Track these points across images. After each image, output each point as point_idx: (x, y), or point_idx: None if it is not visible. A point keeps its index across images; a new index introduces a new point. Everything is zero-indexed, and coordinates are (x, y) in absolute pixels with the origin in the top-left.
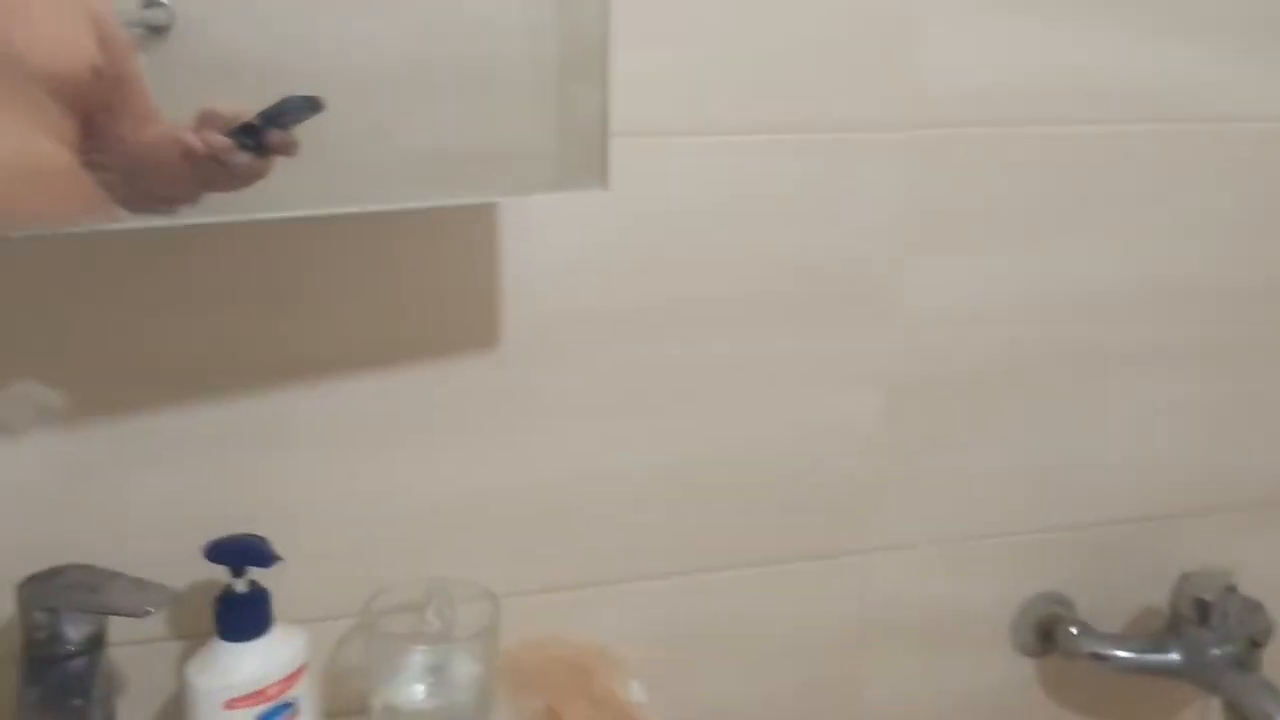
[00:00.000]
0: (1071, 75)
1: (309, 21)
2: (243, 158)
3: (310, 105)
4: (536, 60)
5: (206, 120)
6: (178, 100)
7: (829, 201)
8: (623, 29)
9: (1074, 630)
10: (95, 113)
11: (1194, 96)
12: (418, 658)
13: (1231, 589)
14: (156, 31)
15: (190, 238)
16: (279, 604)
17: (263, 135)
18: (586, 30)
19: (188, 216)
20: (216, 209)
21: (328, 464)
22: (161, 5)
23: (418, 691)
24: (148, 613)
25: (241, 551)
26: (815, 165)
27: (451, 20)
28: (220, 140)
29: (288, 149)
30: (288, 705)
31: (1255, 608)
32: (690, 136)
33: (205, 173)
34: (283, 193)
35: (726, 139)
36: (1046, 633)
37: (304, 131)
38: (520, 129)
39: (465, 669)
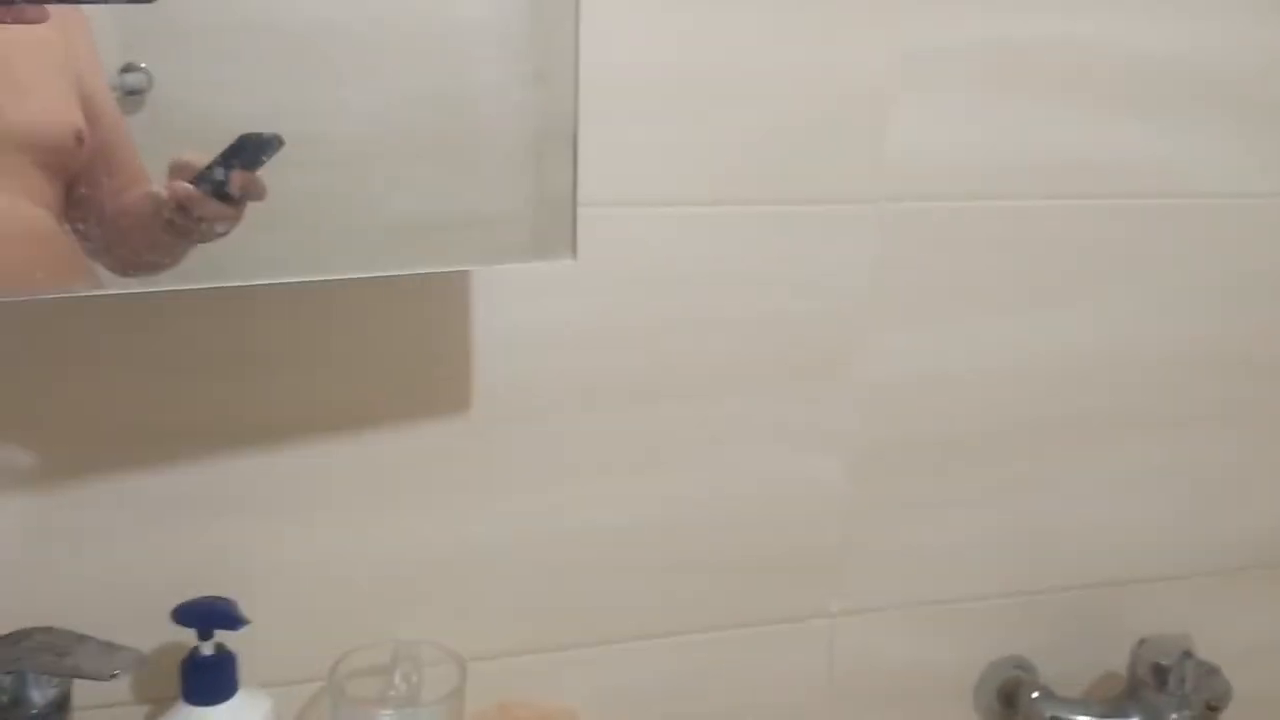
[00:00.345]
0: (1035, 152)
1: (287, 88)
2: (211, 205)
3: (269, 143)
4: (513, 131)
5: (176, 171)
6: (155, 164)
7: (798, 272)
8: (602, 103)
9: (1035, 695)
10: (80, 178)
11: (1156, 174)
12: None
13: (1188, 654)
14: (134, 95)
15: (163, 302)
16: (246, 667)
17: (226, 179)
18: (560, 103)
19: (162, 284)
20: (190, 277)
21: (297, 527)
22: (139, 70)
23: None
24: (114, 676)
25: (208, 614)
26: (784, 236)
27: (428, 91)
28: (185, 188)
29: (254, 190)
30: None
31: (1212, 672)
32: (663, 207)
33: (179, 227)
34: (256, 258)
35: (699, 210)
36: (1009, 697)
37: (278, 197)
38: (494, 199)
39: None
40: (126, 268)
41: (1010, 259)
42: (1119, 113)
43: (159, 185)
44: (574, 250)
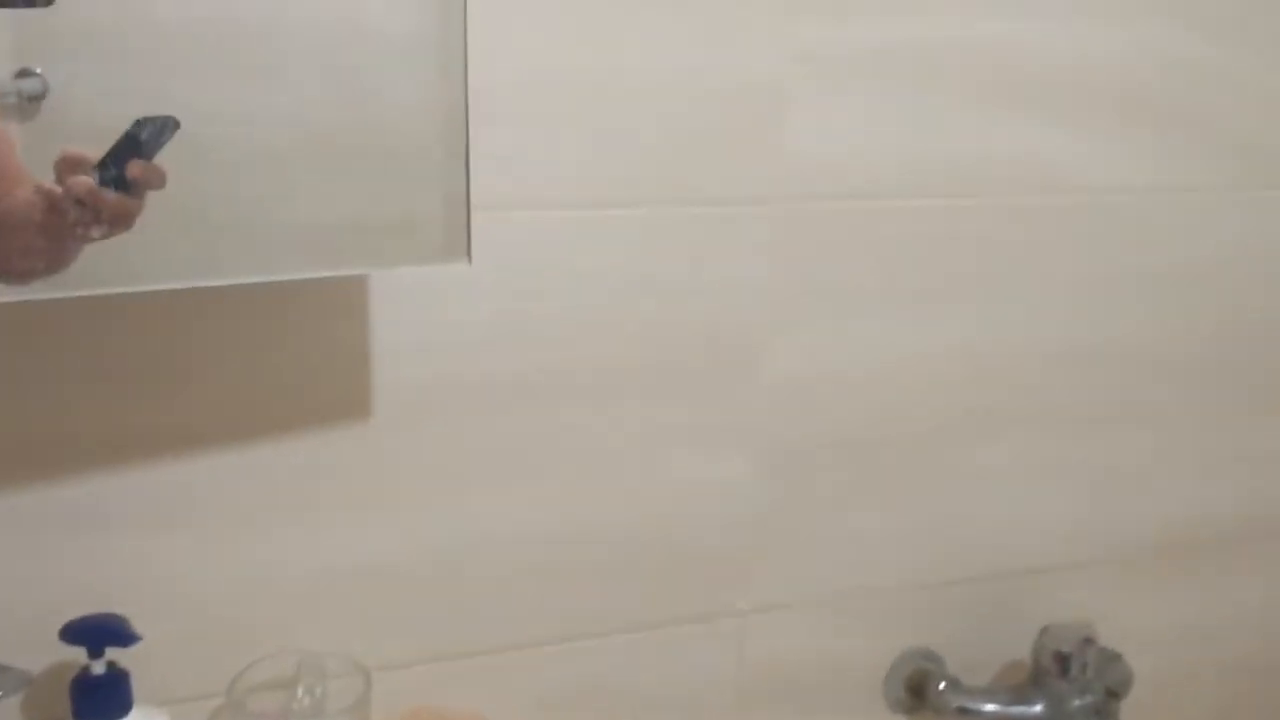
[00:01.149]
0: (931, 151)
1: (187, 91)
2: (113, 198)
3: (165, 125)
4: (408, 135)
5: (67, 166)
6: (51, 170)
7: (698, 272)
8: (497, 106)
9: (942, 686)
10: None
11: (1050, 172)
12: None
13: (1089, 640)
14: (30, 100)
15: (52, 310)
16: (141, 685)
17: (124, 168)
18: (454, 106)
19: (54, 290)
20: (83, 283)
21: (192, 539)
22: (35, 75)
23: None
24: (1, 697)
25: (98, 631)
26: (683, 237)
27: (327, 95)
28: (84, 182)
29: (153, 179)
30: None
31: (1113, 658)
32: (561, 210)
33: (74, 224)
34: (148, 262)
35: (596, 213)
36: (917, 689)
37: (172, 200)
38: (391, 204)
39: None
40: (10, 272)
41: (909, 257)
42: (1013, 113)
43: (42, 183)
44: (469, 254)
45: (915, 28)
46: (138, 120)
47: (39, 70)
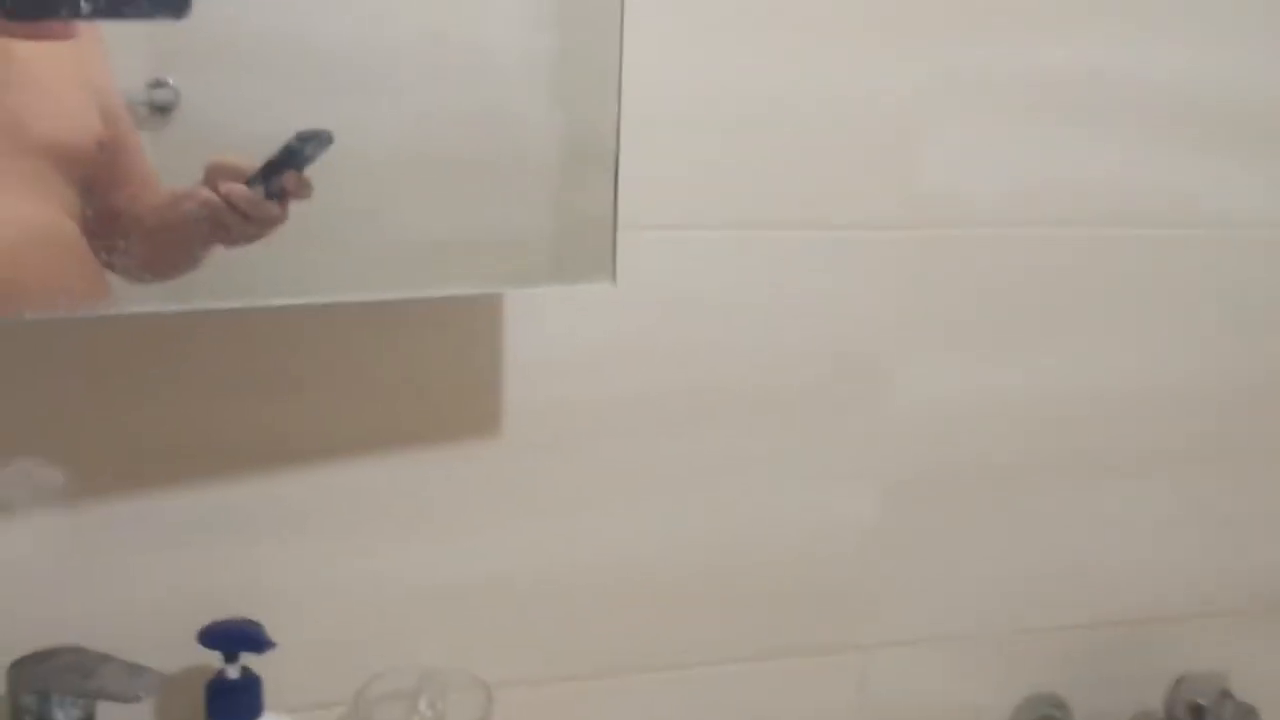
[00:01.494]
0: (1068, 180)
1: (316, 107)
2: (266, 206)
3: (319, 140)
4: (547, 152)
5: (217, 173)
6: (181, 178)
7: (830, 298)
8: (637, 126)
9: None
10: (95, 183)
11: (1189, 204)
12: None
13: (1226, 693)
14: (162, 111)
15: (193, 322)
16: (270, 691)
17: (276, 180)
18: (598, 124)
19: (194, 303)
20: (221, 295)
21: (325, 550)
22: (167, 86)
23: None
24: (138, 698)
25: (235, 636)
26: (817, 262)
27: (462, 112)
28: (240, 190)
29: (302, 191)
30: None
31: (1249, 712)
32: (697, 230)
33: (222, 229)
34: (286, 278)
35: (732, 234)
36: None
37: (309, 218)
38: (528, 221)
39: None
40: (143, 272)
41: (1044, 288)
42: (1154, 143)
43: (192, 188)
44: (613, 274)
45: (1055, 55)
46: (299, 134)
47: (171, 81)
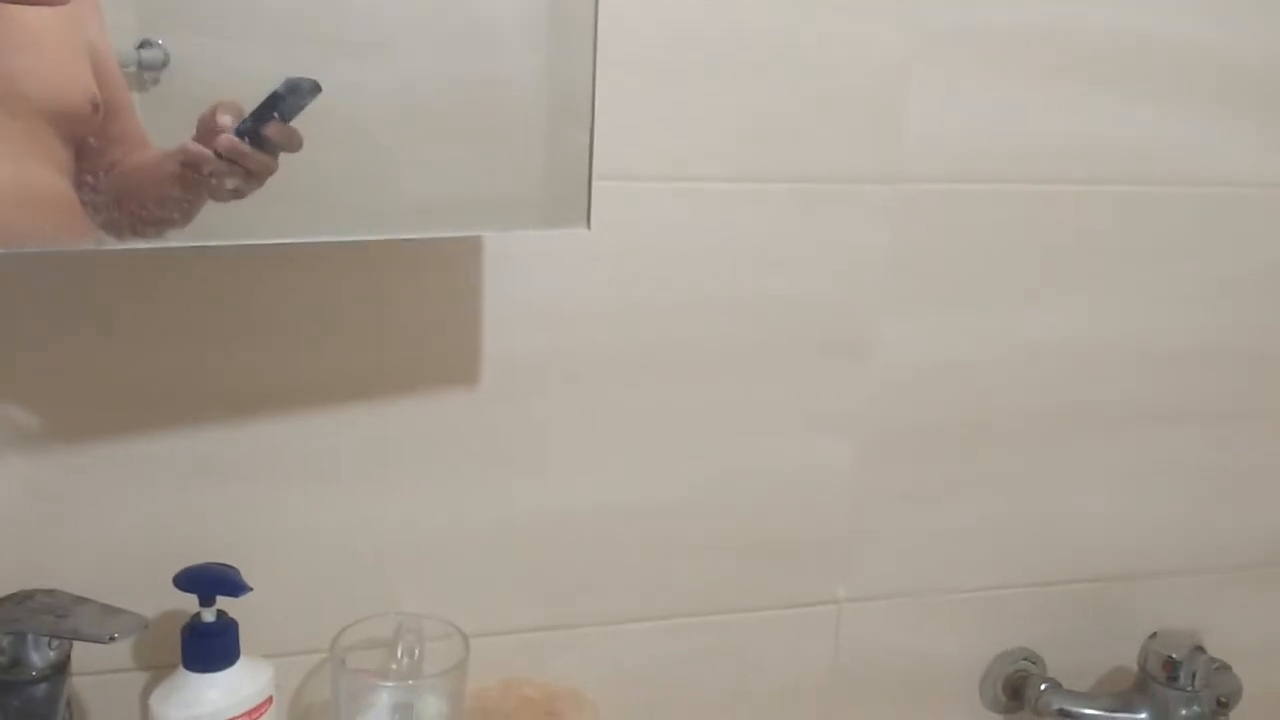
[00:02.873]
0: (1056, 136)
1: (301, 64)
2: (257, 156)
3: (304, 88)
4: (528, 103)
5: (206, 126)
6: (171, 136)
7: (811, 251)
8: (617, 75)
9: (1044, 687)
10: (89, 143)
11: (1176, 160)
12: (385, 695)
13: (1199, 649)
14: (151, 71)
15: (170, 265)
16: (247, 636)
17: (263, 126)
18: (574, 76)
19: (171, 240)
20: (200, 234)
21: (302, 496)
22: (156, 45)
23: None
24: (113, 639)
25: (211, 580)
26: (799, 215)
27: (442, 67)
28: (227, 139)
29: (290, 141)
30: None
31: (1223, 668)
32: (676, 182)
33: (210, 176)
34: (266, 222)
35: (712, 185)
36: (1016, 689)
37: (290, 167)
38: (507, 172)
39: (433, 708)
40: (133, 228)
41: (1027, 243)
42: (1137, 98)
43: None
44: (588, 219)
45: (1046, 10)
46: (286, 80)
47: (160, 41)
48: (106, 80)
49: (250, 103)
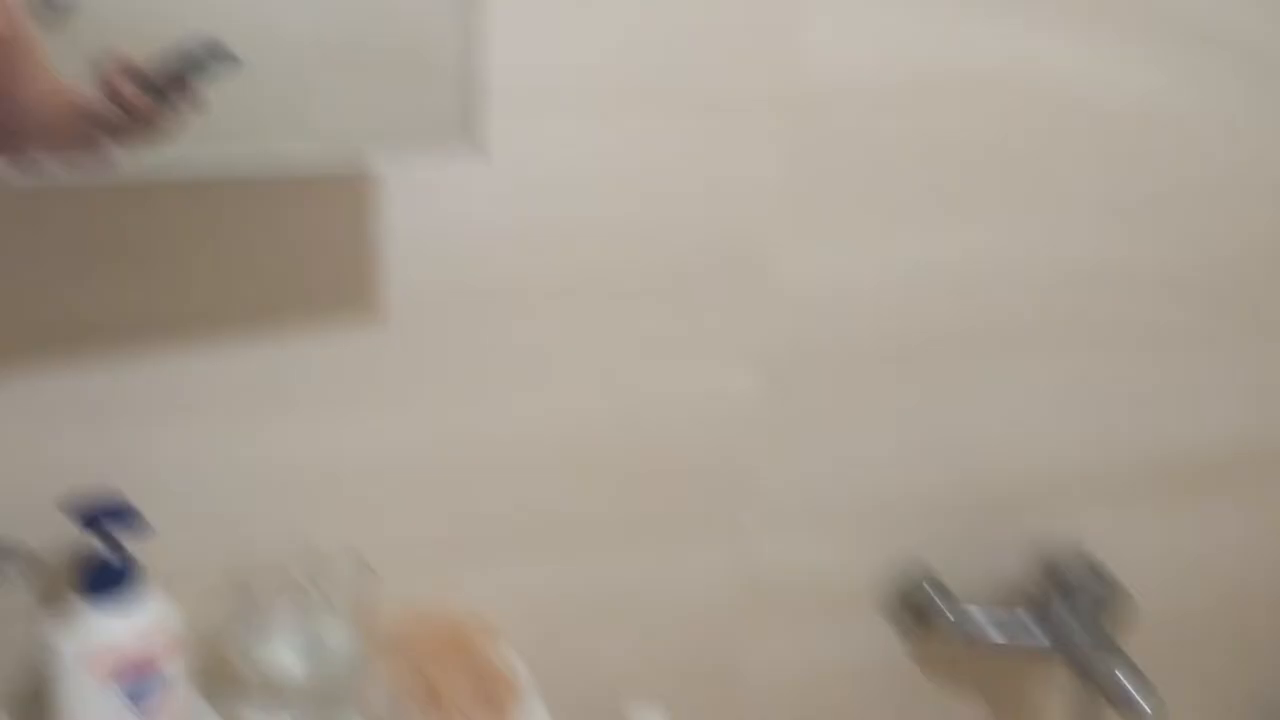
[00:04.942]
0: (953, 59)
1: (215, 8)
2: (164, 112)
3: (217, 53)
4: (419, 32)
5: (116, 68)
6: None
7: (712, 178)
8: (509, 3)
9: (939, 599)
10: None
11: (1076, 86)
12: (291, 626)
13: (1080, 554)
14: (61, 12)
15: (61, 195)
16: (147, 570)
17: (169, 82)
18: (471, 8)
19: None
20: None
21: (203, 429)
22: None
23: (291, 661)
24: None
25: (107, 513)
26: (698, 141)
27: (357, 5)
28: (133, 93)
29: (196, 103)
30: (159, 676)
31: (1098, 567)
32: (577, 111)
33: (108, 125)
34: (168, 156)
35: (610, 112)
36: (915, 604)
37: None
38: (406, 105)
39: (339, 638)
40: (40, 162)
41: (924, 166)
42: (1039, 24)
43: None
44: (484, 148)
45: None
46: (203, 43)
47: None
48: (10, 18)
49: (162, 42)
